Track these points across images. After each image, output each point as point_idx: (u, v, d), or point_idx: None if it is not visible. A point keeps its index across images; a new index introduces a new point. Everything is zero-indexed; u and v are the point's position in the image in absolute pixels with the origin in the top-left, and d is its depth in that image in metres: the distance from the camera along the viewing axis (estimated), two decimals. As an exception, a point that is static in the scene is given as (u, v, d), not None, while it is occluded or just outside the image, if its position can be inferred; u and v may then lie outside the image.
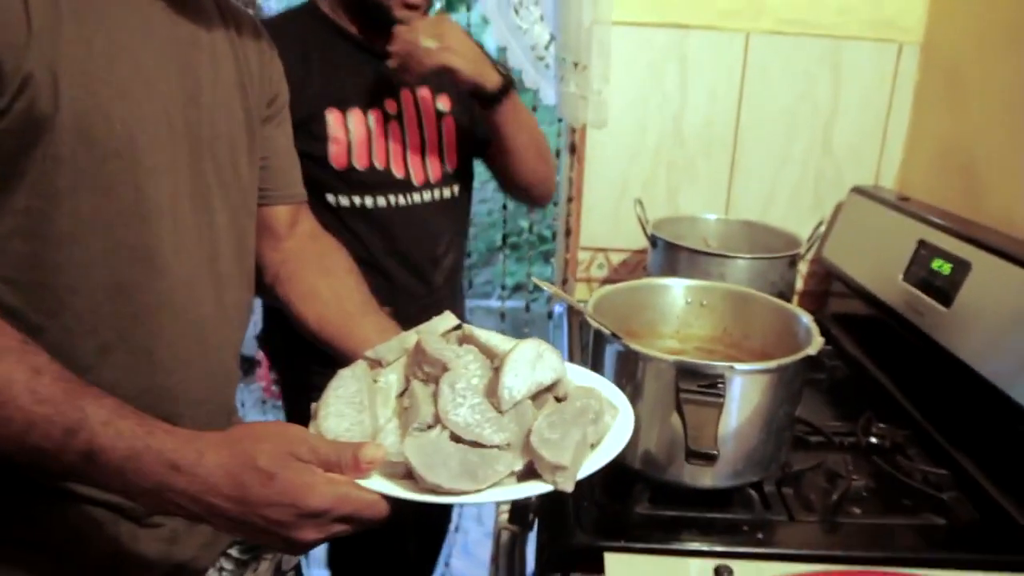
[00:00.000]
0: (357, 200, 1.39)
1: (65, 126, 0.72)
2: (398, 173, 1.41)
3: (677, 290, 1.25)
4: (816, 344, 1.04)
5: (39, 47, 0.69)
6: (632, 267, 1.83)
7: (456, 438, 0.72)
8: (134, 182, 0.79)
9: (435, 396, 0.75)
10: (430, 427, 0.73)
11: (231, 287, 0.94)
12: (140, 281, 0.81)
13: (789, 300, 1.50)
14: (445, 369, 0.77)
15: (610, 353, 1.05)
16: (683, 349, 1.26)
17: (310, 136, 1.32)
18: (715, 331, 1.26)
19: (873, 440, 1.24)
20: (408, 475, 0.70)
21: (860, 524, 1.05)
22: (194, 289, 0.87)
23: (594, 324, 1.06)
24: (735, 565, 0.89)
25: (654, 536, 0.99)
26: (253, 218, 1.00)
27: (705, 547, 0.97)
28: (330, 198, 1.38)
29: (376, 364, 0.85)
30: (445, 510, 1.78)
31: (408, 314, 1.09)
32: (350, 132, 1.36)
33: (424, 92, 1.44)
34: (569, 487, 0.69)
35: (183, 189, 0.85)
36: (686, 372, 0.95)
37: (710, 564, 0.84)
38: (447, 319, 0.88)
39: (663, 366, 0.97)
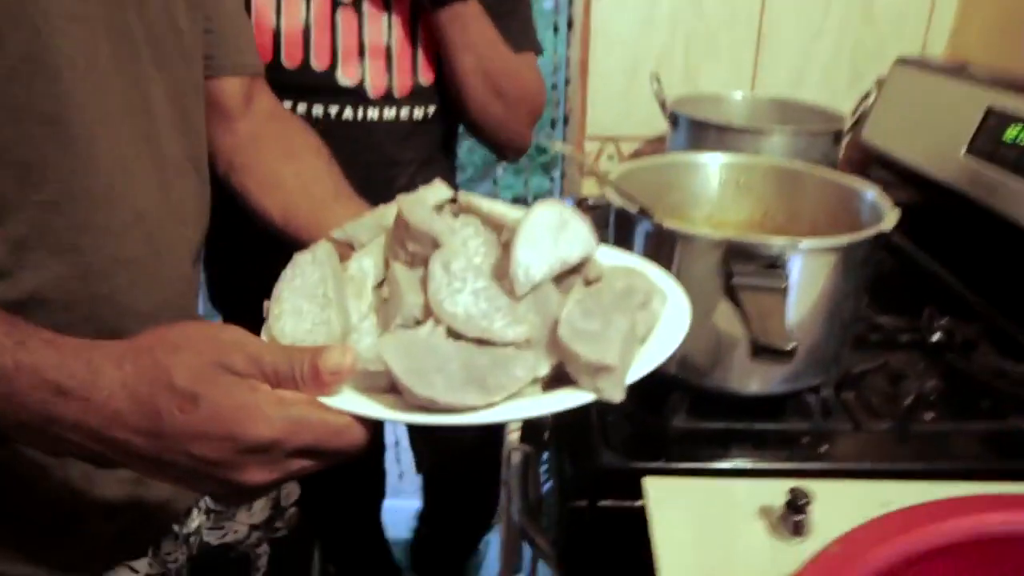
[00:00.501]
0: (287, 104, 1.07)
1: None
2: (347, 79, 1.08)
3: (712, 167, 1.05)
4: (892, 217, 0.85)
5: None
6: (646, 156, 1.62)
7: (455, 335, 0.53)
8: (29, 23, 0.59)
9: (424, 281, 0.56)
10: (418, 323, 0.55)
11: (178, 174, 0.76)
12: (54, 158, 0.63)
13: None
14: (436, 246, 0.58)
15: (639, 234, 0.86)
16: (717, 237, 1.08)
17: None
18: (753, 215, 1.07)
19: (938, 337, 1.06)
20: (393, 388, 0.51)
21: (937, 432, 0.88)
22: (130, 174, 0.68)
23: (617, 200, 0.86)
24: (803, 485, 0.72)
25: (700, 453, 0.82)
26: (200, 92, 0.81)
27: (763, 464, 0.80)
28: None
29: (346, 248, 0.66)
30: (490, 434, 1.51)
31: None
32: (280, 16, 1.04)
33: None
34: (618, 395, 0.50)
35: (102, 46, 0.65)
36: (739, 252, 0.76)
37: (778, 485, 0.67)
38: (438, 189, 0.68)
39: (708, 247, 0.78)
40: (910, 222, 1.43)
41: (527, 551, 1.19)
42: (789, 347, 0.62)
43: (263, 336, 0.57)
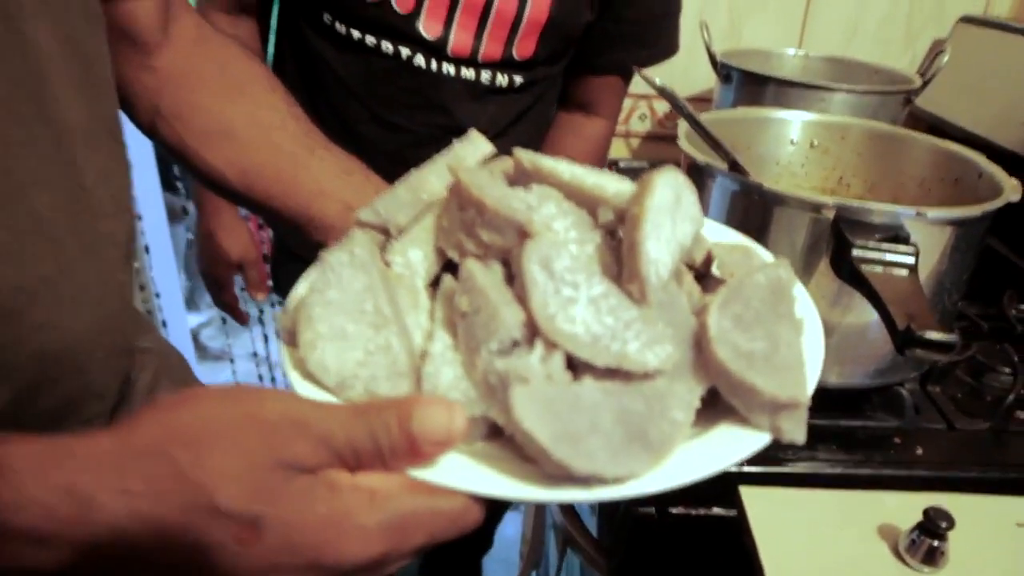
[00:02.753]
0: (356, 32, 0.92)
1: None
2: (428, 32, 0.92)
3: (793, 124, 0.92)
4: (1014, 188, 0.73)
5: None
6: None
7: (576, 364, 0.39)
8: None
9: (514, 287, 0.41)
10: (515, 345, 0.39)
11: (87, 147, 0.53)
12: None
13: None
14: (521, 235, 0.42)
15: (719, 194, 0.73)
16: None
17: None
18: (827, 181, 0.95)
19: (1021, 326, 0.95)
20: (491, 433, 0.39)
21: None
22: (19, 164, 0.47)
23: (697, 154, 0.73)
24: (939, 504, 0.60)
25: (783, 453, 0.70)
26: (100, 25, 0.56)
27: (865, 469, 0.68)
28: (326, 17, 0.93)
29: (379, 232, 0.50)
30: None
31: None
32: None
33: None
34: (801, 435, 0.38)
35: None
36: (854, 223, 0.64)
37: (905, 500, 0.55)
38: (477, 142, 0.53)
39: (813, 213, 0.66)
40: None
41: (550, 549, 1.08)
42: (951, 339, 0.50)
43: (291, 374, 0.41)
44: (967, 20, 1.38)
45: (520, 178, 0.50)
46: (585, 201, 0.46)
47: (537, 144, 1.08)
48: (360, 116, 0.97)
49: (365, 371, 0.40)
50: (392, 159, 0.93)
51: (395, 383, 0.40)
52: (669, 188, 0.44)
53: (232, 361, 2.36)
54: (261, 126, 0.66)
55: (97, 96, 0.54)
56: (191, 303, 2.58)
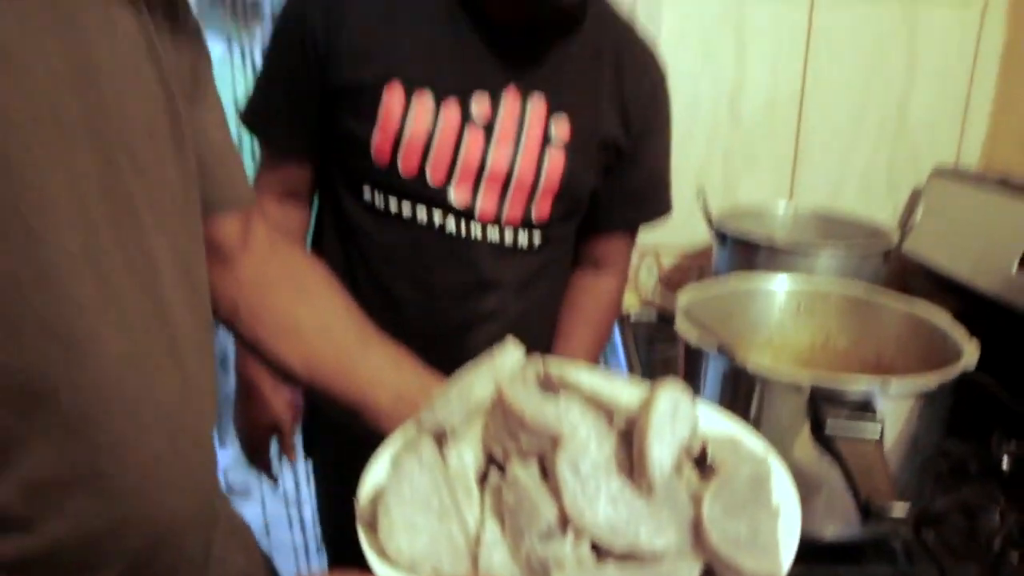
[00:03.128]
0: (394, 204, 1.04)
1: None
2: (457, 201, 1.02)
3: (776, 292, 1.03)
4: (971, 353, 0.83)
5: None
6: (687, 270, 1.62)
7: (600, 548, 0.50)
8: (19, 219, 0.48)
9: (549, 483, 0.53)
10: (551, 532, 0.51)
11: (191, 350, 0.63)
12: (66, 375, 0.52)
13: (880, 299, 1.29)
14: (554, 441, 0.54)
15: (712, 375, 0.84)
16: (778, 364, 1.06)
17: (357, 111, 0.99)
18: (815, 339, 1.05)
19: (1009, 465, 1.02)
20: None
21: (1030, 576, 0.84)
22: (145, 370, 0.57)
23: (690, 337, 0.84)
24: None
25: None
26: (200, 238, 0.68)
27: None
28: (365, 191, 1.05)
29: (434, 431, 0.61)
30: None
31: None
32: (406, 122, 0.98)
33: (539, 102, 1.03)
34: None
35: (95, 209, 0.54)
36: (827, 396, 0.74)
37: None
38: (513, 351, 0.65)
39: (793, 389, 0.76)
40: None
41: None
42: (902, 515, 0.59)
43: (370, 555, 0.51)
44: (940, 172, 1.51)
45: (549, 384, 0.61)
46: (603, 407, 0.58)
47: (557, 296, 1.20)
48: (396, 277, 1.07)
49: (432, 554, 0.51)
50: (426, 315, 1.06)
51: (456, 564, 0.51)
52: (669, 400, 0.55)
53: (263, 503, 2.43)
54: (323, 323, 0.79)
55: (199, 301, 0.66)
56: (220, 440, 2.69)
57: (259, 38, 2.21)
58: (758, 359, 1.03)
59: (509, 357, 0.65)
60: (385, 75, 0.97)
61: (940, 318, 0.92)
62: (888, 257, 1.29)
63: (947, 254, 1.42)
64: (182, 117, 0.64)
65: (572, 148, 1.04)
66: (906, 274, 1.59)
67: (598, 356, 1.23)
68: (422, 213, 1.03)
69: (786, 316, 1.05)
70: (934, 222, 1.49)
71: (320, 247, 1.12)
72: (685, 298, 0.95)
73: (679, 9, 1.46)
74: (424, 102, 0.98)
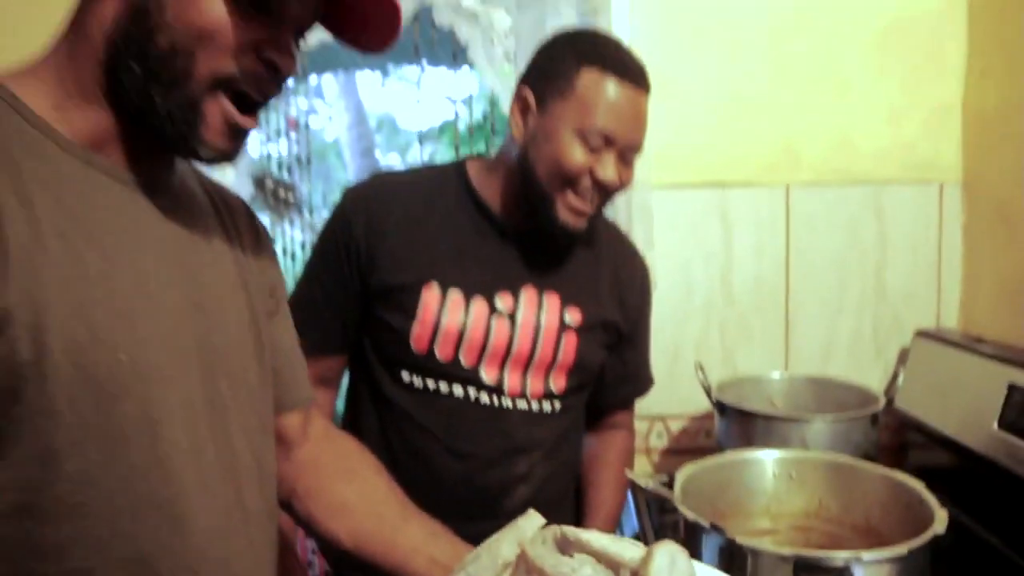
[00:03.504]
0: (431, 383, 1.19)
1: (58, 370, 0.59)
2: (488, 378, 1.18)
3: (766, 463, 1.14)
4: (941, 520, 0.93)
5: (18, 278, 0.57)
6: (693, 434, 1.73)
7: None
8: (149, 423, 0.65)
9: None
10: None
11: (259, 523, 0.78)
12: (167, 545, 0.66)
13: (874, 459, 1.39)
14: None
15: (709, 547, 0.94)
16: (776, 529, 1.15)
17: (398, 307, 1.16)
18: (809, 505, 1.15)
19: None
20: None
21: None
22: (226, 541, 0.73)
23: (688, 514, 0.95)
24: None
25: None
26: (272, 435, 0.84)
27: None
28: (404, 375, 1.19)
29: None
30: None
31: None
32: (442, 316, 1.15)
33: (553, 297, 1.20)
34: None
35: (202, 419, 0.71)
36: (808, 566, 0.84)
37: None
38: (533, 518, 0.77)
39: (779, 560, 0.86)
40: (951, 488, 1.50)
41: None
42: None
43: None
44: (922, 334, 1.64)
45: (565, 544, 0.72)
46: (610, 563, 0.68)
47: (576, 458, 1.33)
48: (433, 449, 1.19)
49: None
50: (465, 482, 1.19)
51: None
52: (666, 555, 0.66)
53: None
54: (369, 502, 0.92)
55: (267, 485, 0.81)
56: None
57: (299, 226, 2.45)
58: (756, 525, 1.14)
59: (531, 522, 0.77)
60: (423, 278, 1.16)
61: (915, 485, 1.03)
62: (876, 420, 1.40)
63: (934, 411, 1.52)
64: (263, 333, 0.83)
65: (583, 330, 1.21)
66: (902, 427, 1.69)
67: (624, 497, 1.35)
68: (458, 390, 1.18)
69: (780, 484, 1.15)
70: (920, 381, 1.61)
71: (355, 422, 1.25)
72: (684, 475, 1.06)
73: (668, 202, 1.66)
74: (456, 299, 1.16)
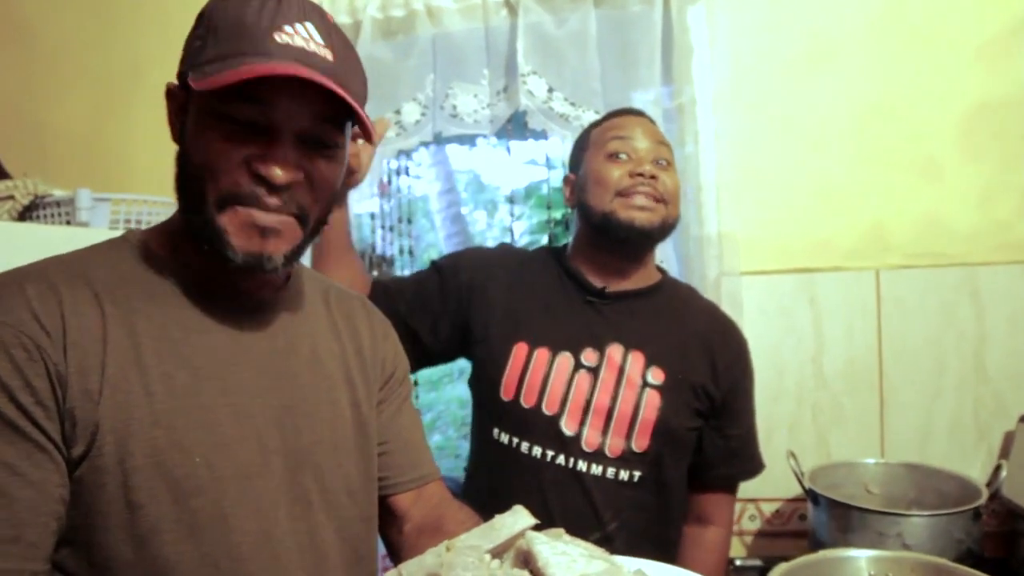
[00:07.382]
0: (515, 441, 1.26)
1: (138, 469, 0.70)
2: (568, 429, 1.24)
3: (861, 562, 1.14)
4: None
5: (110, 395, 0.70)
6: (787, 517, 1.72)
7: None
8: (222, 516, 0.74)
9: None
10: None
11: None
12: None
13: (977, 554, 1.36)
14: None
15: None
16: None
17: (489, 358, 1.29)
18: (908, 606, 1.14)
19: None
20: None
21: None
22: None
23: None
24: None
25: None
26: (372, 520, 0.92)
27: None
28: (494, 431, 1.28)
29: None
30: None
31: None
32: (529, 365, 1.26)
33: (638, 356, 1.27)
34: None
35: (282, 510, 0.79)
36: None
37: None
38: (519, 515, 0.82)
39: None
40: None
41: None
42: None
43: None
44: (1027, 419, 1.60)
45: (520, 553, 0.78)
46: None
47: (657, 537, 1.31)
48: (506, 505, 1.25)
49: None
50: None
51: None
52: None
53: None
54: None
55: (364, 570, 0.87)
56: None
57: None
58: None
59: (515, 519, 0.81)
60: (515, 337, 1.28)
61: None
62: (979, 515, 1.37)
63: (1042, 503, 1.48)
64: (369, 426, 0.90)
65: (666, 389, 1.26)
66: (1014, 520, 1.64)
67: None
68: (536, 449, 1.25)
69: (877, 586, 1.15)
70: (1027, 468, 1.56)
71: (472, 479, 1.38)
72: (779, 573, 1.08)
73: (757, 289, 1.68)
74: (543, 354, 1.27)
